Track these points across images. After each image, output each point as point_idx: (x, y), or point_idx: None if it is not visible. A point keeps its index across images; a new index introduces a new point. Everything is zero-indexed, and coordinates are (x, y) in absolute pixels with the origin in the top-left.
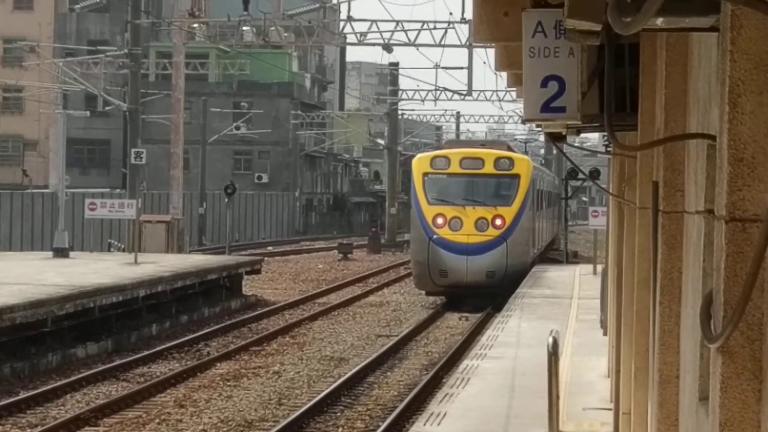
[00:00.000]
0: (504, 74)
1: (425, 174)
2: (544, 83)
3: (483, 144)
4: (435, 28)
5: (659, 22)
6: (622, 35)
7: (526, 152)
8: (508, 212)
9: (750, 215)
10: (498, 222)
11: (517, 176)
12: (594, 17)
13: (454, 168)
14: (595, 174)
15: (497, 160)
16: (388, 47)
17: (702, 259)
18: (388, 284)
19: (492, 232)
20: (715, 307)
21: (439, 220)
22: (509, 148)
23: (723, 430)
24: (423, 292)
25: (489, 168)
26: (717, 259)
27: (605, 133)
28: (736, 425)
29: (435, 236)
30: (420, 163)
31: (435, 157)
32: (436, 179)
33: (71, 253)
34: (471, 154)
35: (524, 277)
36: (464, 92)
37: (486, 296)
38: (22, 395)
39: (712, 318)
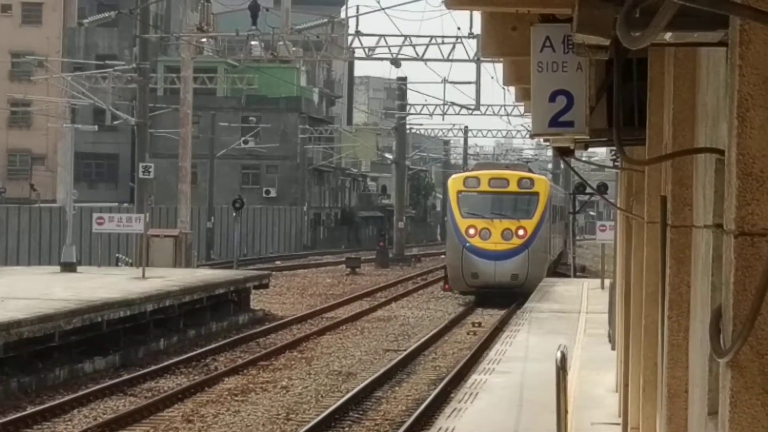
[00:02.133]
0: (512, 89)
1: (459, 192)
2: (552, 98)
3: (507, 166)
4: (443, 43)
5: (668, 36)
6: (630, 50)
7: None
8: (529, 224)
9: (759, 229)
10: (521, 232)
11: (536, 194)
12: (603, 32)
13: (484, 187)
14: (602, 188)
15: (520, 180)
16: (396, 62)
17: (711, 273)
18: (396, 299)
19: (516, 241)
20: (724, 321)
21: (471, 231)
22: (530, 170)
23: None
24: (430, 307)
25: (513, 187)
26: (726, 274)
27: (613, 148)
28: None
29: (467, 244)
30: (454, 182)
31: (467, 177)
32: (469, 196)
33: (79, 268)
34: (498, 175)
35: (542, 279)
36: (472, 107)
37: (510, 295)
38: (30, 410)
39: (722, 332)
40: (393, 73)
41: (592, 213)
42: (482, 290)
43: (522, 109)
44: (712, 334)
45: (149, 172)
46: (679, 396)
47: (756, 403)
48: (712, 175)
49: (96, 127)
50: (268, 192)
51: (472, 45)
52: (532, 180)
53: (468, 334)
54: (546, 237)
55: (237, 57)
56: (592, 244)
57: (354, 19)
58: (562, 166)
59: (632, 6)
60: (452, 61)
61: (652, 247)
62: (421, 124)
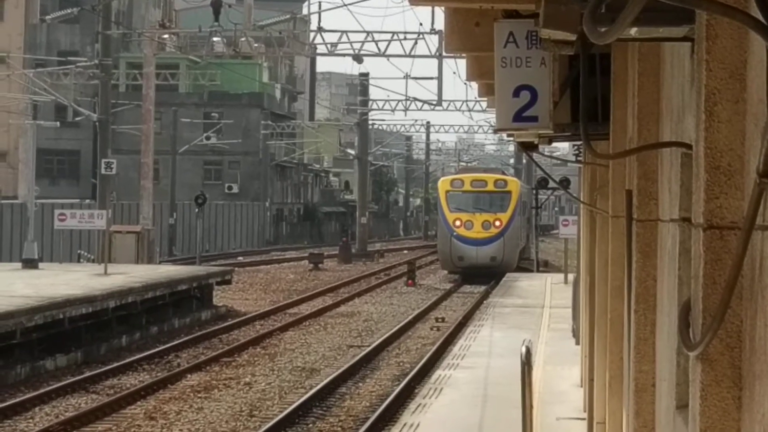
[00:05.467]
0: (474, 84)
1: (447, 191)
2: (516, 93)
3: (486, 170)
4: (405, 39)
5: (633, 32)
6: (594, 45)
7: (503, 173)
8: (504, 217)
9: (728, 223)
10: (497, 223)
11: (509, 192)
12: (569, 27)
13: (467, 187)
14: (565, 183)
15: (496, 181)
16: (358, 58)
17: (677, 267)
18: (359, 294)
19: (493, 231)
20: (694, 314)
21: (457, 223)
22: (503, 173)
23: None
24: (393, 303)
25: (490, 186)
26: (695, 267)
27: (576, 143)
28: None
29: (454, 233)
30: (443, 184)
31: (453, 179)
32: (455, 195)
33: (41, 264)
34: (478, 178)
35: (516, 261)
36: (434, 102)
37: (489, 275)
38: None
39: (691, 326)
40: (355, 69)
41: (555, 209)
42: (467, 270)
43: (484, 104)
44: (681, 328)
45: (111, 168)
46: (646, 390)
47: (727, 396)
48: (678, 169)
49: (58, 123)
50: (230, 188)
51: (434, 41)
52: (505, 181)
53: (432, 329)
54: (518, 227)
55: (199, 53)
56: (554, 238)
57: (316, 15)
58: (524, 161)
59: (598, 1)
60: (414, 57)
61: (618, 241)
62: (383, 120)
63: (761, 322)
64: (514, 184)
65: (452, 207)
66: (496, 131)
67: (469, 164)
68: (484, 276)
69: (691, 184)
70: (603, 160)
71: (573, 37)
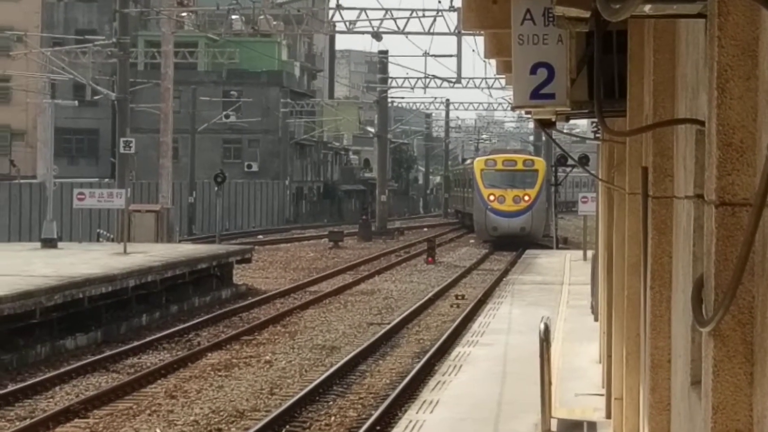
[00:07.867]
0: (493, 62)
1: (482, 170)
2: (534, 70)
3: (516, 151)
4: (424, 16)
5: (647, 8)
6: (610, 22)
7: (530, 154)
8: (532, 192)
9: (740, 199)
10: (526, 198)
11: (536, 171)
12: (583, 4)
13: (499, 166)
14: (584, 160)
15: (525, 161)
16: (377, 35)
17: (692, 243)
18: (379, 272)
19: (523, 204)
20: (706, 291)
21: (491, 197)
22: (530, 154)
23: (716, 414)
24: (413, 280)
25: (520, 166)
26: (707, 244)
27: (594, 120)
28: (729, 408)
29: (489, 207)
30: (478, 163)
31: (487, 159)
32: (489, 173)
33: (60, 244)
34: (509, 158)
35: (543, 231)
36: (453, 80)
37: (517, 244)
38: (11, 388)
39: (704, 302)
40: (374, 46)
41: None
42: (499, 239)
43: (503, 81)
44: (694, 304)
45: (130, 147)
46: (662, 366)
47: (738, 372)
48: (692, 145)
49: (76, 102)
50: (249, 166)
51: (452, 18)
52: (533, 161)
53: (451, 306)
54: (544, 201)
55: (218, 31)
56: (574, 215)
57: None
58: (543, 138)
59: None
60: (433, 34)
61: (634, 218)
62: (402, 98)
63: None
64: (541, 164)
65: (487, 184)
66: (513, 108)
67: (488, 143)
68: (514, 244)
69: (705, 161)
70: (620, 137)
71: (587, 15)
